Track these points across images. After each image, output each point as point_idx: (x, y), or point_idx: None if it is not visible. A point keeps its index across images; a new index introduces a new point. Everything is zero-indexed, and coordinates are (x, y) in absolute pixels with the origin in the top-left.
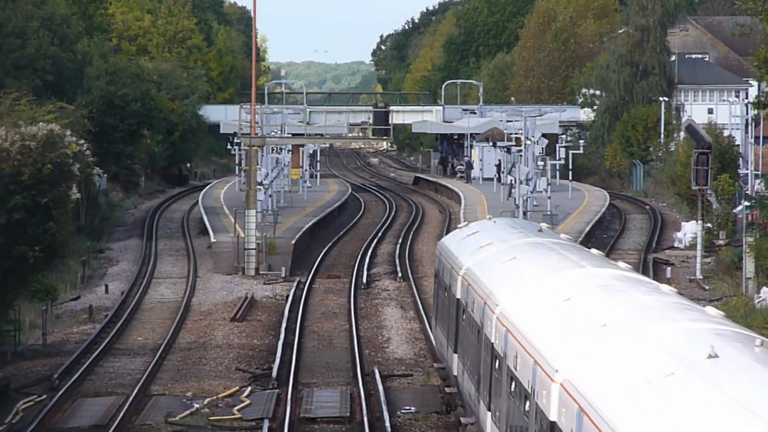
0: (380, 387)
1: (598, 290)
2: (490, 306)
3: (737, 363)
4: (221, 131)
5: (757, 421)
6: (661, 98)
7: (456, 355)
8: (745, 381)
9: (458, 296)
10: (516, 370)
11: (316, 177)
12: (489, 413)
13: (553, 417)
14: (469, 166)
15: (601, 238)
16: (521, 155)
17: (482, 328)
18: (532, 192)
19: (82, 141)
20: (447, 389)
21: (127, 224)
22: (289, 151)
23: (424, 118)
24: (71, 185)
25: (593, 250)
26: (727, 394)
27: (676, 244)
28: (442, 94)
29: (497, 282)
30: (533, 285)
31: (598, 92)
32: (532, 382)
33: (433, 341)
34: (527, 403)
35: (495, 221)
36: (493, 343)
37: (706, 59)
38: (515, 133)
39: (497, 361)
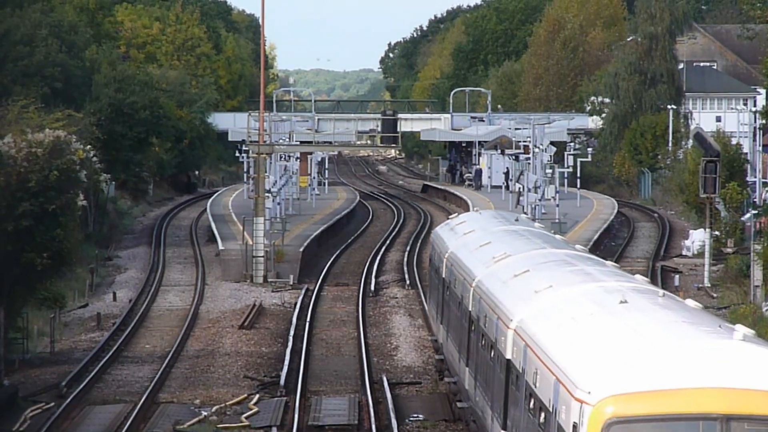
0: (388, 395)
1: (551, 264)
2: (468, 281)
3: (640, 306)
4: (230, 139)
5: (638, 336)
6: (669, 106)
7: (442, 326)
8: (641, 316)
9: (444, 276)
10: (485, 327)
11: (325, 185)
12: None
13: (508, 356)
14: (479, 174)
15: (610, 246)
16: (529, 163)
17: (462, 300)
18: (540, 200)
19: (89, 147)
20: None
21: (136, 232)
22: (297, 158)
23: (432, 125)
24: (78, 192)
25: (557, 236)
26: (626, 323)
27: (684, 252)
28: (451, 101)
29: (474, 261)
30: (502, 261)
31: (606, 100)
32: (495, 333)
33: (427, 311)
34: (492, 352)
35: (480, 212)
36: (470, 311)
37: (715, 67)
38: (524, 141)
39: (473, 325)
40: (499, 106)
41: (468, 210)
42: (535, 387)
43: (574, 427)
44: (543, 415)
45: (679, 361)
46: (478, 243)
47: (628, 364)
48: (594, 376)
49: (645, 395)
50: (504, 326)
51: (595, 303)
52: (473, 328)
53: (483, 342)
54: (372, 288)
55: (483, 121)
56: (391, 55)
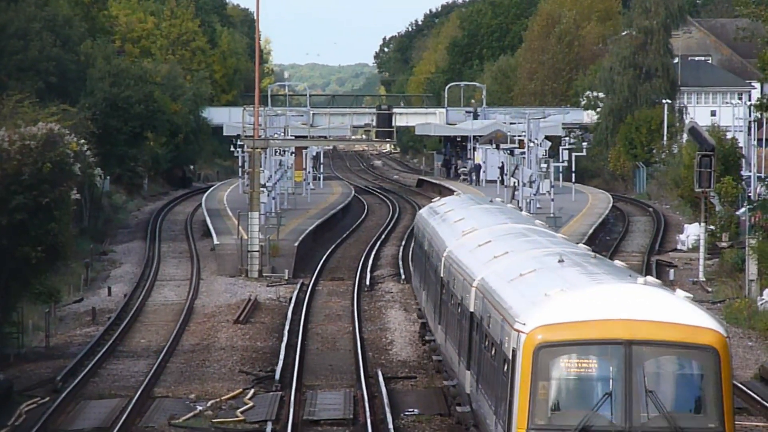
0: (384, 389)
1: (510, 235)
2: (442, 250)
3: (574, 264)
4: (225, 133)
5: (568, 285)
6: (664, 100)
7: (423, 292)
8: (572, 271)
9: (425, 248)
10: (454, 288)
11: (320, 179)
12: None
13: (471, 309)
14: (478, 168)
15: (605, 240)
16: (524, 157)
17: (437, 268)
18: (535, 194)
19: (83, 141)
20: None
21: (131, 226)
22: (292, 153)
23: (427, 120)
24: (72, 185)
25: (524, 213)
26: (560, 276)
27: (679, 247)
28: (446, 96)
29: (448, 234)
30: (470, 234)
31: (601, 94)
32: (462, 292)
33: (412, 280)
34: (459, 308)
35: (460, 195)
36: (443, 277)
37: (710, 61)
38: (519, 136)
39: (444, 287)
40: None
41: None
42: (489, 328)
43: (513, 351)
44: (494, 349)
45: (593, 299)
46: (453, 220)
47: (555, 302)
48: (528, 313)
49: (566, 325)
50: (468, 285)
51: (538, 263)
52: (445, 290)
53: (453, 300)
54: (367, 282)
55: (474, 114)
56: (386, 49)
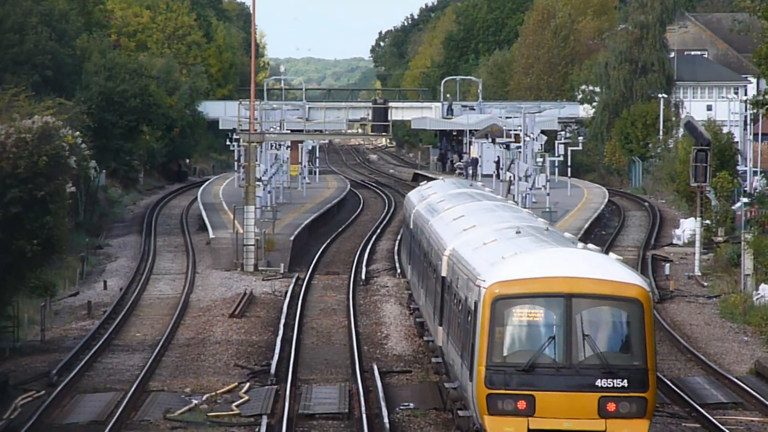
0: (379, 383)
1: (480, 211)
2: (424, 225)
3: (529, 234)
4: (220, 127)
5: (521, 250)
6: (660, 95)
7: (409, 265)
8: (526, 239)
9: (411, 227)
10: (432, 257)
11: (315, 173)
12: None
13: (443, 274)
14: (475, 162)
15: (600, 234)
16: (520, 152)
17: (420, 241)
18: (531, 189)
19: (78, 134)
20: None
21: (126, 220)
22: (288, 147)
23: (423, 114)
24: (68, 178)
25: (498, 195)
26: (516, 244)
27: (674, 241)
28: (442, 90)
29: (430, 211)
30: (448, 211)
31: (597, 89)
32: (437, 260)
33: (401, 253)
34: (434, 274)
35: (444, 180)
36: (424, 248)
37: (705, 56)
38: (514, 130)
39: (425, 257)
40: (448, 95)
41: None
42: (457, 288)
43: (475, 304)
44: (460, 305)
45: (540, 261)
46: (435, 200)
47: (509, 263)
48: (488, 272)
49: (518, 281)
50: (441, 254)
51: (500, 234)
52: (425, 258)
53: (430, 268)
54: (363, 277)
55: (474, 109)
56: (381, 44)
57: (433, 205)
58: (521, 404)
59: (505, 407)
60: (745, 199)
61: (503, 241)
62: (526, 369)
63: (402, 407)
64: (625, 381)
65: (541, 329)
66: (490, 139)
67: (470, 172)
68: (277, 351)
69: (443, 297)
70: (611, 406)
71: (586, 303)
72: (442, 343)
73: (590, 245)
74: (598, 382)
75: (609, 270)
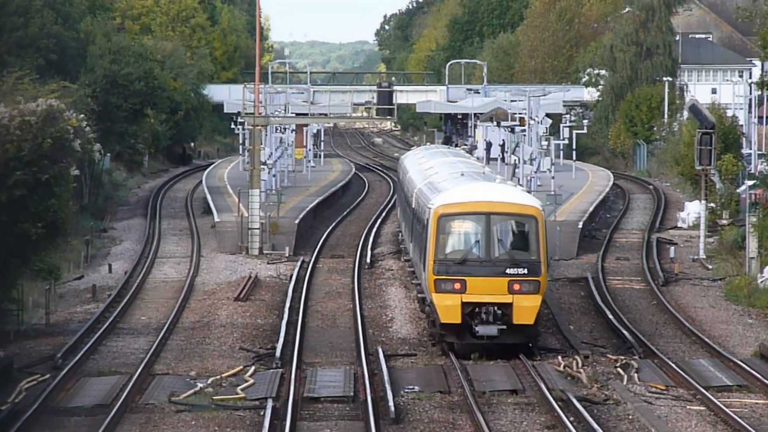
0: (384, 366)
1: (445, 164)
2: (405, 175)
3: (469, 176)
4: (225, 111)
5: (459, 185)
6: (665, 78)
7: (402, 219)
8: (467, 180)
9: (402, 180)
10: (411, 197)
11: (320, 157)
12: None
13: (413, 206)
14: (489, 145)
15: (605, 217)
16: (525, 135)
17: (405, 189)
18: (535, 172)
19: (82, 117)
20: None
21: (131, 204)
22: (292, 130)
23: (428, 97)
24: (72, 161)
25: (467, 155)
26: (458, 182)
27: (679, 224)
28: (446, 73)
29: (414, 166)
30: (424, 164)
31: (602, 72)
32: (410, 196)
33: (397, 204)
34: (408, 208)
35: (429, 145)
36: (406, 192)
37: (710, 39)
38: (519, 113)
39: (408, 198)
40: (424, 79)
41: None
42: (420, 213)
43: (427, 220)
44: (420, 224)
45: (470, 191)
46: (418, 157)
47: (450, 193)
48: (436, 198)
49: (455, 204)
50: (413, 192)
51: (450, 176)
52: (406, 199)
53: (410, 206)
54: (367, 260)
55: (479, 92)
56: (386, 27)
57: (415, 160)
58: (457, 285)
59: (446, 288)
60: (750, 182)
61: (450, 180)
62: (460, 262)
63: (407, 390)
64: (525, 269)
65: (470, 236)
66: (494, 123)
67: (483, 155)
68: (282, 334)
69: (413, 221)
70: (516, 286)
71: (499, 218)
72: (411, 253)
73: (508, 181)
74: (508, 270)
75: (515, 196)
